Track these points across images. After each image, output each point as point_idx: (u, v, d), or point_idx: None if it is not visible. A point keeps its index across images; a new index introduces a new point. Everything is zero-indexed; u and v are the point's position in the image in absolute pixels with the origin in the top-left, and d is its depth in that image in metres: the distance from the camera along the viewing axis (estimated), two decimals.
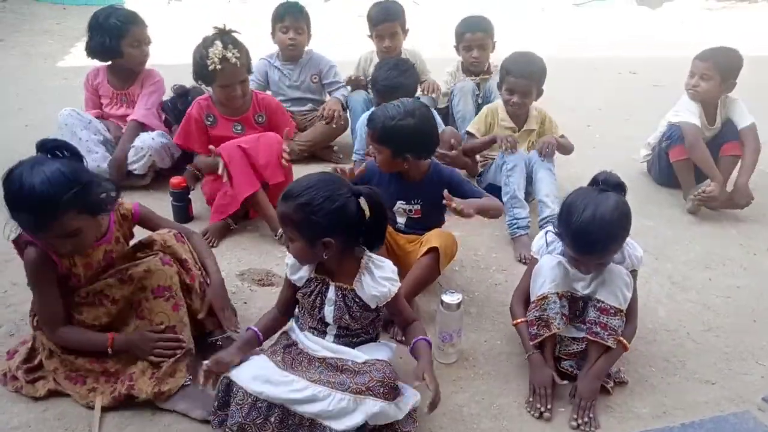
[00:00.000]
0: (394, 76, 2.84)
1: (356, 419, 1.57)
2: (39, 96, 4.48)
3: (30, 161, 1.64)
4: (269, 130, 2.87)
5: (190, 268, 1.94)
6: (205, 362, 1.64)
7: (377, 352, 1.74)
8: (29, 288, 1.83)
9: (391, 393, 1.61)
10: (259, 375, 1.62)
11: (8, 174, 1.63)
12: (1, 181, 1.64)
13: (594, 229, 1.75)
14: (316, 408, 1.58)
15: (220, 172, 2.62)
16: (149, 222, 2.04)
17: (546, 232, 2.08)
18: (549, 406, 1.85)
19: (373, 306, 1.75)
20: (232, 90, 2.69)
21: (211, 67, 2.59)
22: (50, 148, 1.69)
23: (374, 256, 1.78)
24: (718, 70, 3.05)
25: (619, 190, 1.85)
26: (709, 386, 2.00)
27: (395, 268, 1.79)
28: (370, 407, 1.58)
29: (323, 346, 1.75)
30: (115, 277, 1.82)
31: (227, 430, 1.59)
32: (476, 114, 3.48)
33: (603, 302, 1.89)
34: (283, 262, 1.92)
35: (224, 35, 2.63)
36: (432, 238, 2.19)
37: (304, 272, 1.78)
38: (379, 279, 1.72)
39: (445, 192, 2.11)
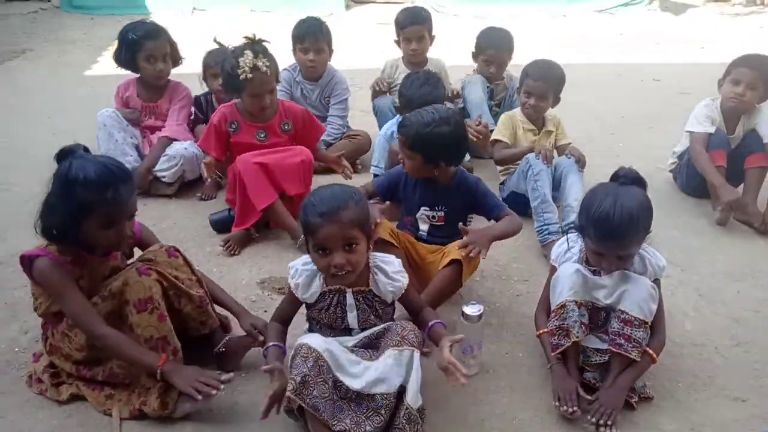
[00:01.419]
0: (428, 92, 2.80)
1: (395, 381, 1.64)
2: (66, 105, 4.58)
3: (81, 158, 1.73)
4: (296, 137, 2.90)
5: (182, 285, 1.88)
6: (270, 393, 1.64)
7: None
8: (52, 299, 1.82)
9: (422, 344, 1.75)
10: (319, 338, 1.70)
11: (75, 167, 1.69)
12: (66, 168, 1.70)
13: (615, 216, 1.76)
14: (360, 378, 1.64)
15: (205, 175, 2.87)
16: (148, 245, 2.02)
17: (566, 239, 2.06)
18: (575, 409, 1.81)
19: (389, 301, 1.84)
20: (262, 99, 2.71)
21: (242, 77, 2.61)
22: (83, 148, 1.80)
23: (377, 254, 1.86)
24: (765, 82, 2.99)
25: (639, 185, 1.88)
26: (739, 403, 1.94)
27: (400, 260, 1.88)
28: (407, 357, 1.65)
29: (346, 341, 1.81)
30: (98, 294, 1.80)
31: (291, 380, 1.61)
32: (486, 100, 3.53)
33: (627, 313, 1.86)
34: None
35: (255, 45, 2.66)
36: (455, 249, 2.16)
37: (315, 287, 1.80)
38: (392, 275, 1.81)
39: (460, 225, 2.16)
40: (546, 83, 2.97)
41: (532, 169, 2.82)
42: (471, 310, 1.96)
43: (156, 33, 3.21)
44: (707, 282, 2.58)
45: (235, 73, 2.62)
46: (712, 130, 3.06)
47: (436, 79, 2.95)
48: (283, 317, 1.91)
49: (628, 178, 1.88)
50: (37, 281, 1.80)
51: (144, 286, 1.78)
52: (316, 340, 1.68)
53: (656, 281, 1.95)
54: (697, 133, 3.08)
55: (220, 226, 2.89)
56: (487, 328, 2.15)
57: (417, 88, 2.85)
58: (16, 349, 2.09)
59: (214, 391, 1.73)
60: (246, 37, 2.68)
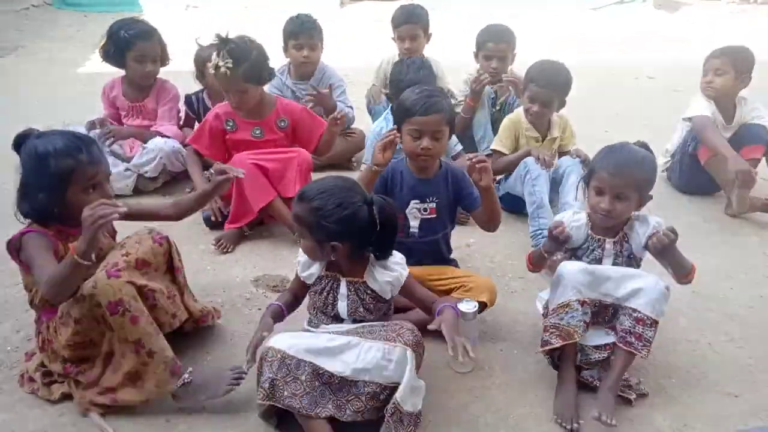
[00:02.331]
0: (418, 78, 2.78)
1: (385, 373, 1.64)
2: (58, 102, 4.55)
3: (41, 136, 1.80)
4: (293, 135, 2.88)
5: (148, 283, 1.84)
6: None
7: None
8: (30, 268, 1.77)
9: (420, 346, 1.70)
10: (286, 335, 1.72)
11: (40, 144, 1.75)
12: (33, 146, 1.76)
13: (624, 149, 1.96)
14: (345, 363, 1.65)
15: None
16: (135, 215, 1.98)
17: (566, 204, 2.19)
18: (577, 425, 1.81)
19: (387, 296, 1.83)
20: (229, 97, 2.75)
21: (211, 71, 2.69)
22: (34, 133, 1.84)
23: None
24: (732, 65, 3.07)
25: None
26: (732, 399, 1.95)
27: (403, 256, 1.87)
28: (401, 355, 1.63)
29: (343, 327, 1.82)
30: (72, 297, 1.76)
31: (259, 388, 1.66)
32: (491, 120, 3.48)
33: (639, 312, 1.86)
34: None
35: (221, 44, 2.61)
36: (481, 289, 2.11)
37: (314, 269, 1.85)
38: (391, 265, 1.81)
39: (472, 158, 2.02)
40: (551, 90, 2.84)
41: (530, 174, 2.78)
42: (466, 306, 1.95)
43: (149, 34, 3.17)
44: (701, 279, 2.54)
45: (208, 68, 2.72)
46: (709, 114, 3.10)
47: (428, 64, 2.96)
48: (293, 290, 1.96)
49: (641, 145, 2.03)
50: (23, 259, 1.78)
51: (113, 289, 1.71)
52: (281, 340, 1.69)
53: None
54: (698, 116, 3.11)
55: (213, 222, 2.87)
56: (482, 324, 2.15)
57: (410, 74, 2.84)
58: (8, 348, 2.08)
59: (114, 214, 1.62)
60: (217, 35, 2.64)
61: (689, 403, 1.92)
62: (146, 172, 3.16)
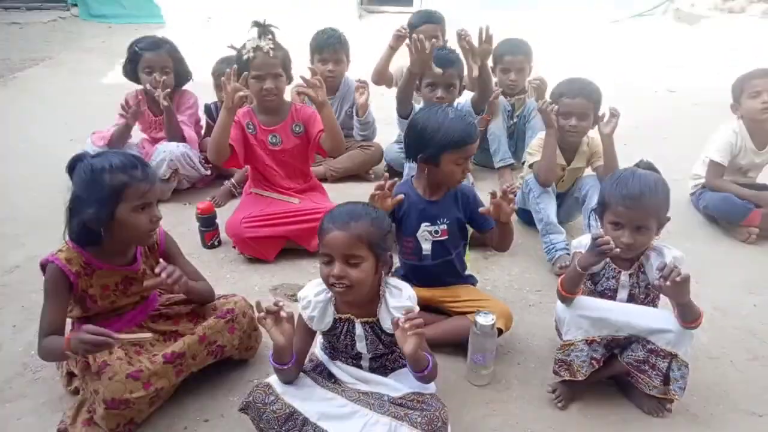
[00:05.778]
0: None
1: None
2: (84, 111, 4.65)
3: (97, 155, 1.79)
4: (307, 139, 2.86)
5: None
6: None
7: (414, 381, 1.73)
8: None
9: (431, 426, 1.60)
10: (297, 392, 1.68)
11: (96, 161, 1.74)
12: (89, 164, 1.74)
13: (635, 179, 1.84)
14: (349, 430, 1.60)
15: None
16: (172, 258, 1.99)
17: (588, 225, 2.07)
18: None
19: (392, 332, 1.73)
20: (263, 81, 2.65)
21: (245, 57, 2.63)
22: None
23: (392, 280, 1.76)
24: None
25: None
26: (756, 419, 1.91)
27: (412, 294, 1.74)
28: None
29: (357, 377, 1.78)
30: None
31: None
32: (507, 132, 3.51)
33: (654, 344, 1.83)
34: (315, 277, 1.87)
35: (260, 27, 2.66)
36: (496, 315, 2.00)
37: (329, 317, 1.76)
38: (392, 309, 1.70)
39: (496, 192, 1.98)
40: (587, 100, 2.70)
41: (533, 192, 2.78)
42: (483, 319, 1.95)
43: (156, 45, 3.21)
44: (723, 295, 2.55)
45: (240, 54, 2.65)
46: (726, 159, 3.05)
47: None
48: (299, 351, 1.75)
49: (646, 167, 1.95)
50: (44, 282, 1.83)
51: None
52: (288, 394, 1.67)
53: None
54: (711, 162, 3.10)
55: (209, 245, 2.89)
56: (499, 338, 2.14)
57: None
58: (33, 353, 2.11)
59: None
60: (255, 21, 2.67)
61: (711, 423, 1.89)
62: (162, 175, 3.16)
